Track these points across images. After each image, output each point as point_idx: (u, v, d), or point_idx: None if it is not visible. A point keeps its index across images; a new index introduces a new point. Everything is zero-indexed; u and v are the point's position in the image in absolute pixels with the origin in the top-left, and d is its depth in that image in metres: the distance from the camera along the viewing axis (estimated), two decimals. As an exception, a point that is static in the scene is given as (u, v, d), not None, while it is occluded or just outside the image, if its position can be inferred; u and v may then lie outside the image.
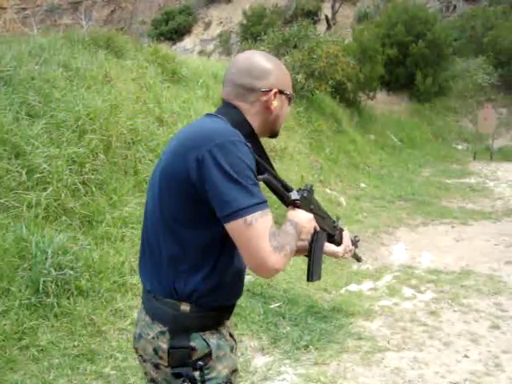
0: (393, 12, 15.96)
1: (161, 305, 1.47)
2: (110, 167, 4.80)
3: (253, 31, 21.18)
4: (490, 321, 4.20)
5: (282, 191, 1.57)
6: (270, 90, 1.55)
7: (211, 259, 1.44)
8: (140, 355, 1.57)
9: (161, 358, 1.47)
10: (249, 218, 1.34)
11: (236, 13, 26.17)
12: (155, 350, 1.48)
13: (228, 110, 1.54)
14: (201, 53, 25.82)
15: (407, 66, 14.97)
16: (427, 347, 3.77)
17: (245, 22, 23.08)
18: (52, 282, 3.49)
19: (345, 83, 10.72)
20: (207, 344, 1.47)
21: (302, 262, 5.27)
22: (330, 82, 10.11)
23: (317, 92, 10.19)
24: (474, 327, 4.09)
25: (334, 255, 1.90)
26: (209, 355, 1.47)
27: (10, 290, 3.37)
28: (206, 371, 1.47)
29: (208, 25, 27.98)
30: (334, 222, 1.86)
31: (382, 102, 14.40)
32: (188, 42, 27.54)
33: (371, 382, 3.30)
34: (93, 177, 4.54)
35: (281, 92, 1.57)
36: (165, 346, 1.46)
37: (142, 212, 4.53)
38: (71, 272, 3.65)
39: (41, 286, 3.42)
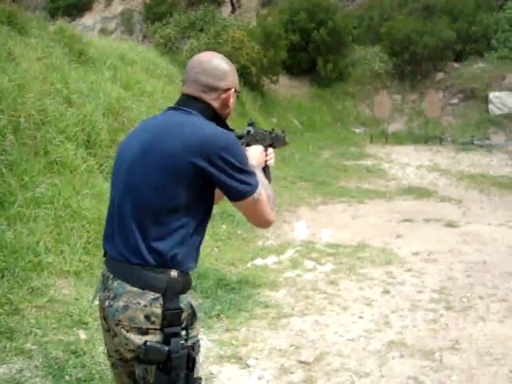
0: (296, -1, 16.42)
1: (153, 274, 1.69)
2: (19, 148, 4.77)
3: (156, 11, 20.86)
4: (381, 287, 4.70)
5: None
6: (229, 89, 1.87)
7: (189, 233, 1.74)
8: (113, 330, 1.74)
9: (153, 322, 1.67)
10: (256, 195, 1.76)
11: (139, -9, 25.53)
12: (147, 317, 1.67)
13: (197, 104, 1.83)
14: (102, 31, 25.00)
15: (309, 52, 15.47)
16: (327, 312, 4.18)
17: (148, 0, 22.59)
18: (-34, 262, 3.52)
19: (249, 67, 11.02)
20: (191, 304, 1.74)
21: (210, 240, 5.56)
22: (235, 66, 10.36)
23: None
24: (368, 293, 4.57)
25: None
26: (192, 315, 1.75)
27: None
28: (189, 330, 1.73)
29: (109, 2, 27.06)
30: (271, 133, 2.22)
31: (284, 86, 14.83)
32: (88, 18, 26.49)
33: (278, 343, 3.65)
34: (2, 157, 4.51)
35: (235, 90, 1.90)
36: (158, 311, 1.67)
37: (54, 193, 4.55)
38: (-15, 252, 3.69)
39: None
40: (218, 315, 3.99)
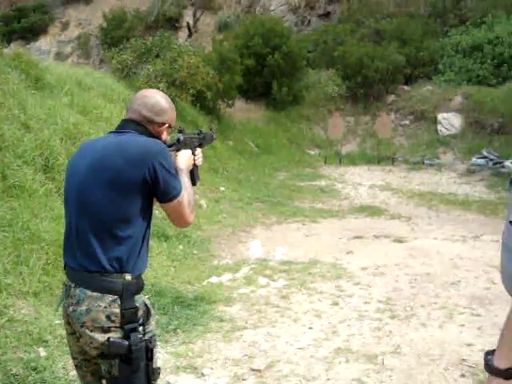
0: (251, 24, 16.80)
1: (110, 279, 1.92)
2: (-23, 173, 4.89)
3: (113, 35, 20.96)
4: (331, 299, 4.95)
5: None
6: (164, 124, 2.15)
7: (140, 241, 2.00)
8: (78, 332, 1.97)
9: (113, 321, 1.91)
10: (180, 198, 2.03)
11: (96, 15, 25.48)
12: (108, 317, 1.90)
13: (134, 125, 2.10)
14: (58, 55, 24.89)
15: (264, 76, 15.83)
16: (279, 324, 4.41)
17: (105, 25, 22.66)
18: None
19: (205, 92, 11.25)
20: (145, 303, 2.00)
21: (167, 260, 5.73)
22: (190, 91, 10.61)
23: (178, 100, 10.63)
24: (318, 305, 4.82)
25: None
26: (147, 312, 2.00)
27: None
28: (146, 325, 1.98)
29: (65, 25, 26.91)
30: (199, 134, 2.47)
31: (240, 110, 15.12)
32: (44, 42, 26.27)
33: (232, 353, 3.85)
34: (-40, 182, 4.62)
35: (169, 126, 2.17)
36: (117, 310, 1.91)
37: (12, 216, 4.68)
38: None
39: None
40: (175, 330, 4.17)
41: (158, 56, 10.84)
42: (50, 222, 5.04)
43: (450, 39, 16.74)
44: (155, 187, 1.97)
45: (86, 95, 8.37)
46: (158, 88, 9.65)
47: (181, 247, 6.23)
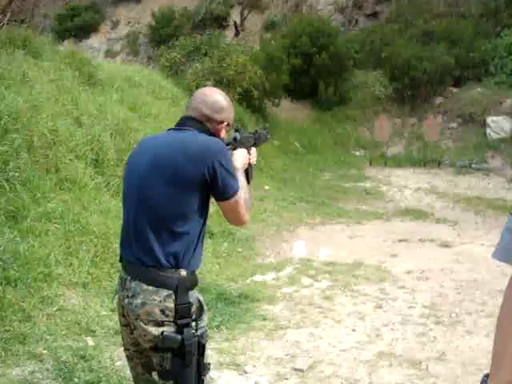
0: (298, 24, 16.76)
1: (165, 274, 1.97)
2: (32, 166, 5.05)
3: (161, 33, 21.26)
4: (374, 302, 4.91)
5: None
6: (223, 122, 2.18)
7: (196, 238, 2.04)
8: (133, 324, 2.01)
9: (167, 315, 1.95)
10: (237, 197, 2.05)
11: (145, 13, 25.90)
12: (162, 311, 1.95)
13: (194, 122, 2.13)
14: (108, 52, 25.40)
15: (311, 76, 15.76)
16: (322, 325, 4.40)
17: (154, 23, 23.03)
18: (-19, 272, 3.75)
19: (251, 91, 11.32)
20: (198, 299, 2.03)
21: (211, 257, 5.79)
22: (237, 90, 10.69)
23: (225, 99, 10.71)
24: (362, 308, 4.79)
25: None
26: (200, 308, 2.03)
27: None
28: (198, 321, 2.00)
29: (116, 24, 27.47)
30: (255, 134, 2.50)
31: (286, 110, 15.12)
32: (95, 40, 26.88)
33: (274, 352, 3.87)
34: (16, 174, 4.78)
35: (227, 124, 2.19)
36: (171, 305, 1.95)
37: (64, 208, 4.83)
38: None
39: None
40: (218, 326, 4.21)
41: (206, 54, 10.96)
42: (99, 215, 5.18)
43: (502, 40, 16.29)
44: (213, 185, 2.00)
45: (136, 92, 8.55)
46: (205, 86, 9.78)
47: (225, 244, 6.29)
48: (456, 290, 5.27)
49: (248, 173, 2.34)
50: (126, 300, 2.02)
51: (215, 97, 2.18)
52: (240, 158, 2.28)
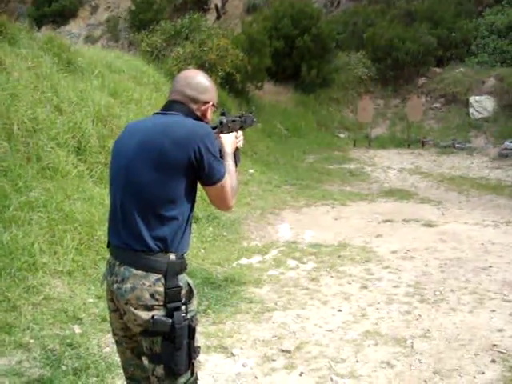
0: (280, 6, 16.64)
1: (155, 258, 1.96)
2: (13, 154, 4.99)
3: (142, 18, 20.95)
4: (360, 283, 4.95)
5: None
6: (208, 102, 2.17)
7: (184, 222, 2.03)
8: (122, 309, 2.02)
9: (157, 299, 1.95)
10: (223, 182, 2.06)
11: (124, -3, 25.56)
12: (152, 295, 1.95)
13: (180, 106, 2.11)
14: (87, 38, 25.03)
15: (293, 59, 15.71)
16: (308, 306, 4.43)
17: (133, 7, 22.66)
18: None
19: (234, 74, 11.24)
20: (188, 283, 2.03)
21: (197, 242, 5.79)
22: (219, 74, 10.62)
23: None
24: (347, 288, 4.83)
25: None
26: (190, 292, 2.03)
27: None
28: (188, 305, 2.00)
29: (95, 9, 27.04)
30: (241, 117, 2.51)
31: (269, 93, 15.07)
32: (74, 26, 26.45)
33: (261, 334, 3.90)
34: (-3, 163, 4.73)
35: (213, 105, 2.18)
36: (161, 289, 1.95)
37: (47, 197, 4.79)
38: (-17, 253, 3.90)
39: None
40: (205, 310, 4.22)
41: (187, 38, 10.86)
42: (83, 203, 5.14)
43: (484, 19, 16.34)
44: (199, 170, 2.00)
45: (117, 78, 8.45)
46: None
47: (210, 229, 6.29)
48: (440, 268, 5.33)
49: (235, 156, 2.34)
50: (115, 285, 2.01)
51: (198, 78, 2.18)
52: (229, 142, 2.28)
